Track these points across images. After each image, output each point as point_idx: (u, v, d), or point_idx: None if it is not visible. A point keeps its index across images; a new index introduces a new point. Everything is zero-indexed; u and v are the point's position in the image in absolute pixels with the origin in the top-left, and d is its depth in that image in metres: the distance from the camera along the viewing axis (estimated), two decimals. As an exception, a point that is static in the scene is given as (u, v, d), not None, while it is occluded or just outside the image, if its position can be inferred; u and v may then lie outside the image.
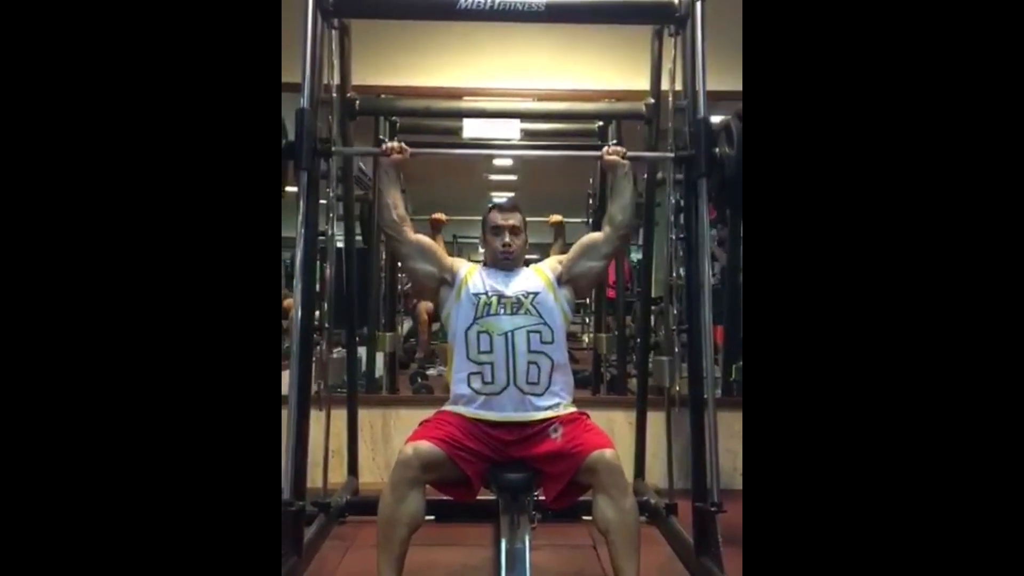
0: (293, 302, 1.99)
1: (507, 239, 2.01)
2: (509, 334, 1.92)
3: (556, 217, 3.77)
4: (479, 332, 1.94)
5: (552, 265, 2.08)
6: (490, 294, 1.97)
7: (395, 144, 2.08)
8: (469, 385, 1.92)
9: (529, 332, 1.93)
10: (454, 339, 2.00)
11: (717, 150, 2.13)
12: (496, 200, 2.09)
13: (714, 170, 2.13)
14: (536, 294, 1.98)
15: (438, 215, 3.77)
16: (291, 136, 2.01)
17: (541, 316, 1.95)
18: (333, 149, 2.17)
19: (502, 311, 1.95)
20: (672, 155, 2.24)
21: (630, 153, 2.12)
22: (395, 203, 2.02)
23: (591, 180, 3.96)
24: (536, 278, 2.03)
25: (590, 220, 3.95)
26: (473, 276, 2.03)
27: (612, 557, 1.81)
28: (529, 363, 1.91)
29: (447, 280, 2.03)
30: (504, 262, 2.03)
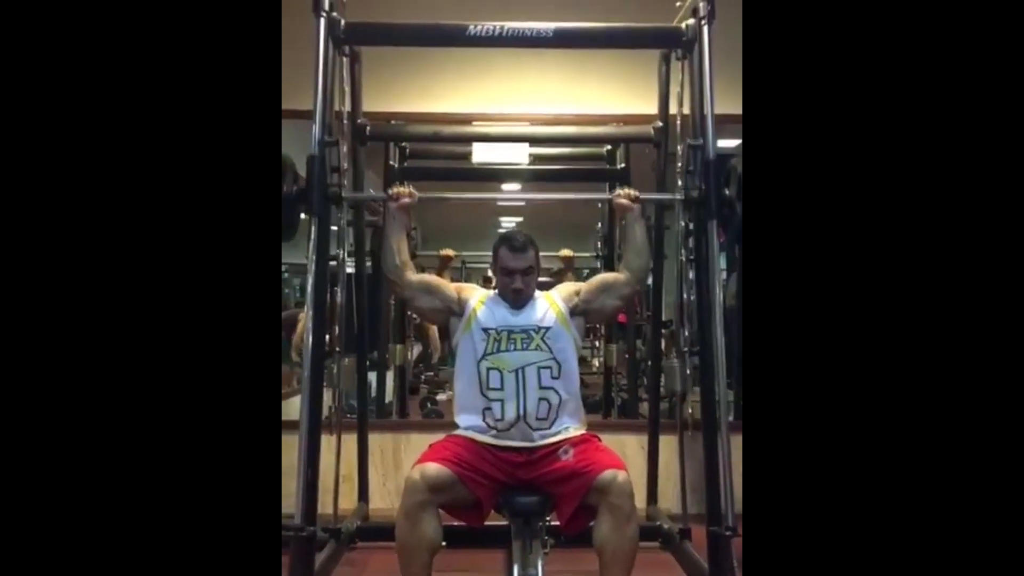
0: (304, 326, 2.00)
1: (518, 284, 1.97)
2: (520, 371, 1.92)
3: (566, 252, 3.78)
4: (489, 368, 1.93)
5: (567, 295, 2.05)
6: (500, 329, 1.96)
7: (403, 189, 2.08)
8: (482, 419, 1.92)
9: (540, 368, 1.93)
10: (463, 372, 1.98)
11: (727, 191, 2.11)
12: (507, 230, 2.07)
13: (724, 210, 2.11)
14: (548, 329, 1.96)
15: (447, 252, 3.79)
16: (302, 176, 2.02)
17: (551, 352, 1.95)
18: (343, 195, 2.17)
19: (512, 347, 1.94)
20: (681, 197, 2.21)
21: (641, 195, 2.12)
22: (398, 248, 2.02)
23: (599, 205, 3.97)
24: (549, 310, 2.00)
25: (599, 254, 3.96)
26: (483, 308, 2.00)
27: (602, 574, 1.83)
28: (540, 399, 1.91)
29: (455, 311, 2.02)
30: (516, 301, 2.00)
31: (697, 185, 2.14)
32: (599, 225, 3.96)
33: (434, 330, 5.20)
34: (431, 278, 2.09)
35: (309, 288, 2.04)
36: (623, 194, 2.10)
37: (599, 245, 4.05)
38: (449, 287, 2.08)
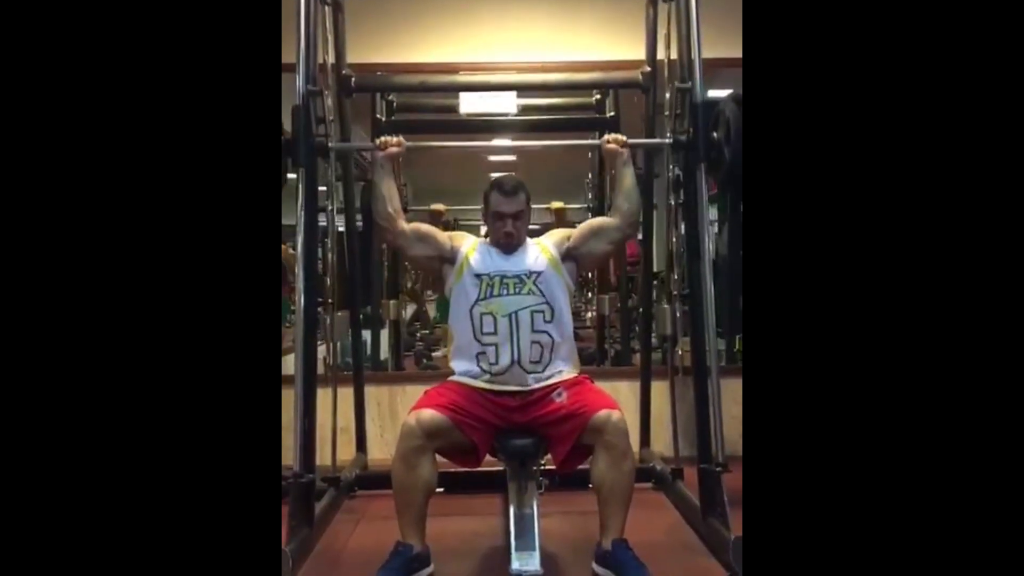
0: (291, 257, 2.02)
1: (510, 227, 1.98)
2: (513, 315, 1.93)
3: (557, 204, 3.77)
4: (482, 313, 1.94)
5: (558, 240, 2.06)
6: (493, 275, 1.97)
7: (390, 138, 2.07)
8: (476, 364, 1.94)
9: (533, 312, 1.94)
10: (457, 318, 2.00)
11: (715, 134, 2.10)
12: (498, 177, 2.07)
13: (712, 153, 2.11)
14: (539, 273, 1.98)
15: (437, 207, 3.78)
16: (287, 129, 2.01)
17: (543, 296, 1.96)
18: (330, 145, 2.17)
19: (505, 292, 1.95)
20: (670, 141, 2.23)
21: (629, 140, 2.13)
22: (389, 196, 2.02)
23: (589, 155, 3.95)
24: (540, 255, 2.02)
25: (590, 205, 3.96)
26: (475, 253, 2.01)
27: (601, 511, 1.89)
28: (532, 343, 1.93)
29: (447, 258, 2.04)
30: (507, 246, 2.02)
31: (685, 129, 2.14)
32: (589, 176, 3.94)
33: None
34: (423, 226, 2.10)
35: (299, 242, 2.04)
36: (612, 139, 2.10)
37: (590, 197, 4.05)
38: (441, 235, 2.09)
